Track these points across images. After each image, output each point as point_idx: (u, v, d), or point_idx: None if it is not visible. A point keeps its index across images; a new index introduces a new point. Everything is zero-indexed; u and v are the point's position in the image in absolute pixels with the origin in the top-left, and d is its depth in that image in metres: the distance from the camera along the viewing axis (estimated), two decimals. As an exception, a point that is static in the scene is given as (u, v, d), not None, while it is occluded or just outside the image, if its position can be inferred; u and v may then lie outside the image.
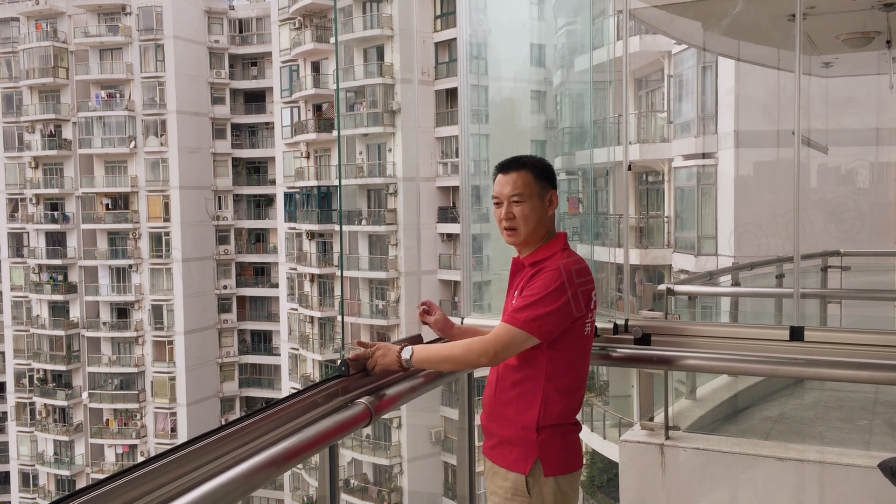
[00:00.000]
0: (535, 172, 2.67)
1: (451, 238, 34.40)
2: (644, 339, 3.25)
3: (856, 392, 5.80)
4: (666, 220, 18.05)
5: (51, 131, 42.06)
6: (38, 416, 41.97)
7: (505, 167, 2.70)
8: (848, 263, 7.48)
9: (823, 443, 4.94)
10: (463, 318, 3.44)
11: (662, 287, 5.50)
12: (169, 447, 1.98)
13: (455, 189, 34.38)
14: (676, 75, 16.87)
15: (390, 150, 34.46)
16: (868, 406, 5.57)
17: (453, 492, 31.99)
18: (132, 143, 41.21)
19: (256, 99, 44.49)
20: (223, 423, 2.26)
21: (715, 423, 5.47)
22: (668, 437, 4.74)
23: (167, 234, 41.25)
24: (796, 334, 3.07)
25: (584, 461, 2.77)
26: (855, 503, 4.15)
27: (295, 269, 37.97)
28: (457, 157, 33.96)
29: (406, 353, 2.58)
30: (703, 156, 15.05)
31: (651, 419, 4.93)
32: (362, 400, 2.49)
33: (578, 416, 2.75)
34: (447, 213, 34.34)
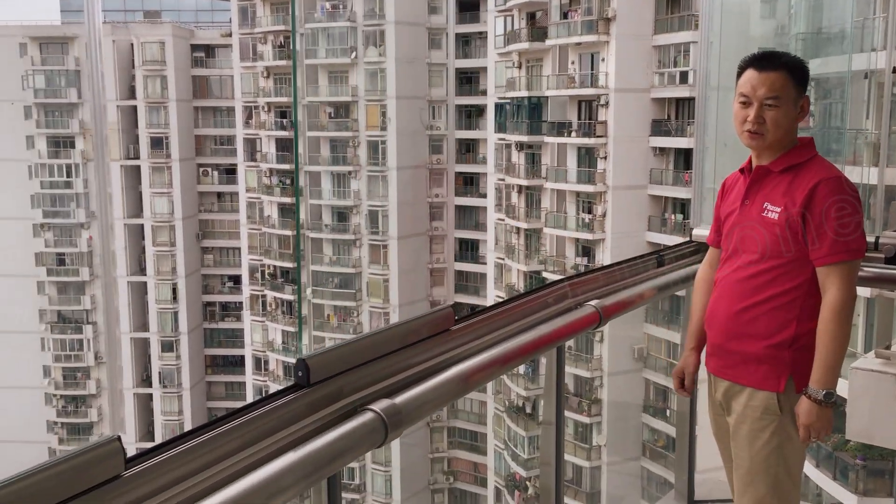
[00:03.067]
0: (793, 75, 2.43)
1: (663, 152, 33.14)
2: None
3: None
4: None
5: (280, 42, 44.60)
6: (268, 308, 46.08)
7: (761, 63, 2.45)
8: None
9: None
10: (693, 229, 3.35)
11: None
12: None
13: (671, 101, 32.88)
14: (939, -30, 14.82)
15: (603, 60, 33.41)
16: None
17: (654, 408, 31.83)
18: (353, 54, 42.80)
19: (471, 8, 44.46)
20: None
21: (962, 358, 5.01)
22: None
23: (384, 142, 42.86)
24: None
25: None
26: None
27: (503, 179, 38.35)
28: (675, 66, 32.35)
29: (821, 395, 2.37)
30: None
31: (888, 347, 4.60)
32: (592, 303, 2.52)
33: None
34: (661, 126, 33.03)
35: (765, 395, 2.46)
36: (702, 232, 3.32)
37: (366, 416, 1.68)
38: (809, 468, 19.62)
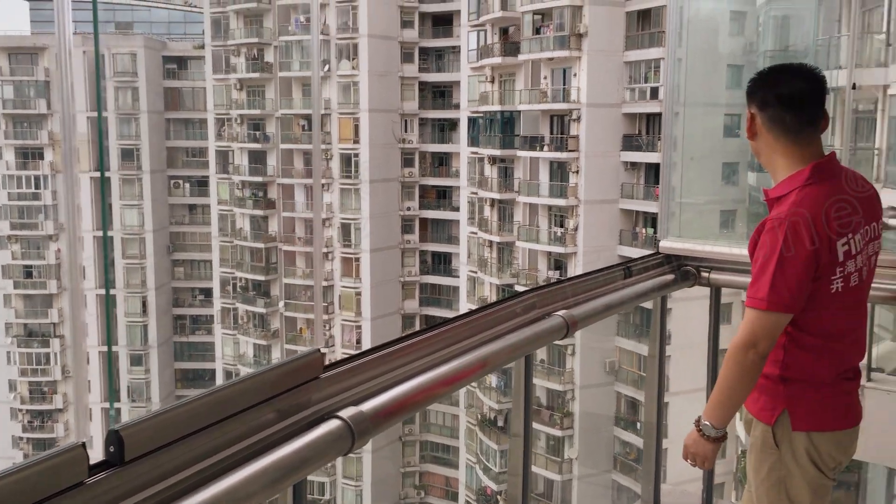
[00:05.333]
0: (746, 93, 2.30)
1: (634, 167, 33.47)
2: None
3: None
4: (876, 152, 16.60)
5: (254, 55, 44.48)
6: (240, 321, 45.74)
7: None
8: None
9: None
10: (660, 241, 3.39)
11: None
12: (383, 343, 2.12)
13: (641, 116, 33.23)
14: (901, -9, 15.22)
15: (575, 75, 33.71)
16: None
17: (625, 421, 31.97)
18: (326, 67, 42.80)
19: (444, 22, 44.69)
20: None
21: (924, 369, 5.12)
22: (869, 380, 4.51)
23: (356, 155, 42.83)
24: None
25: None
26: None
27: (476, 193, 38.47)
28: (645, 82, 32.70)
29: (702, 425, 2.28)
30: (928, 82, 13.62)
31: None
32: (559, 313, 2.54)
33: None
34: (632, 141, 33.37)
35: (763, 427, 2.36)
36: (669, 244, 3.37)
37: (332, 425, 1.68)
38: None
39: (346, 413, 1.71)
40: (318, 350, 1.79)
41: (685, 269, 3.25)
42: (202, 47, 48.18)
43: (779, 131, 2.24)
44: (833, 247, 2.15)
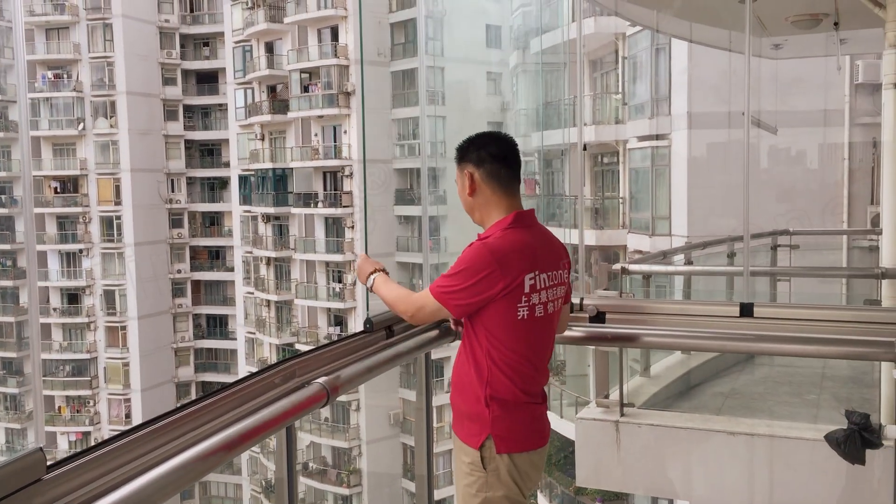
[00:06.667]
0: (456, 155, 2.69)
1: (408, 220, 34.31)
2: (599, 318, 3.29)
3: (804, 367, 5.95)
4: (621, 201, 18.23)
5: (-2, 113, 40.94)
6: (-13, 405, 41.12)
7: None
8: (797, 242, 7.66)
9: (773, 417, 5.07)
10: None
11: (617, 266, 5.58)
12: (122, 431, 1.95)
13: (412, 171, 34.26)
14: (631, 57, 17.00)
15: (345, 132, 34.22)
16: (816, 381, 5.72)
17: (412, 473, 32.16)
18: (81, 125, 40.26)
19: (209, 80, 43.74)
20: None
21: (668, 400, 5.58)
22: (622, 414, 4.83)
23: (118, 217, 40.48)
24: (746, 310, 3.13)
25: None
26: (802, 474, 4.27)
27: (251, 252, 37.61)
28: (414, 139, 33.83)
29: (371, 280, 2.80)
30: (657, 137, 15.22)
31: (606, 396, 5.01)
32: (319, 380, 2.48)
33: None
34: (405, 195, 34.23)
35: (473, 452, 2.60)
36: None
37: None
38: (557, 514, 20.73)
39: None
40: (40, 449, 1.59)
41: (446, 325, 3.31)
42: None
43: (495, 184, 2.61)
44: (520, 278, 2.50)
